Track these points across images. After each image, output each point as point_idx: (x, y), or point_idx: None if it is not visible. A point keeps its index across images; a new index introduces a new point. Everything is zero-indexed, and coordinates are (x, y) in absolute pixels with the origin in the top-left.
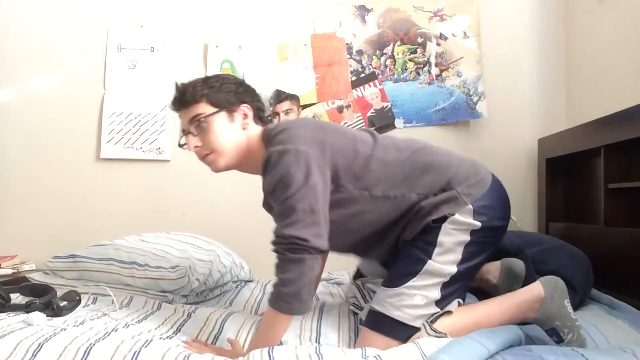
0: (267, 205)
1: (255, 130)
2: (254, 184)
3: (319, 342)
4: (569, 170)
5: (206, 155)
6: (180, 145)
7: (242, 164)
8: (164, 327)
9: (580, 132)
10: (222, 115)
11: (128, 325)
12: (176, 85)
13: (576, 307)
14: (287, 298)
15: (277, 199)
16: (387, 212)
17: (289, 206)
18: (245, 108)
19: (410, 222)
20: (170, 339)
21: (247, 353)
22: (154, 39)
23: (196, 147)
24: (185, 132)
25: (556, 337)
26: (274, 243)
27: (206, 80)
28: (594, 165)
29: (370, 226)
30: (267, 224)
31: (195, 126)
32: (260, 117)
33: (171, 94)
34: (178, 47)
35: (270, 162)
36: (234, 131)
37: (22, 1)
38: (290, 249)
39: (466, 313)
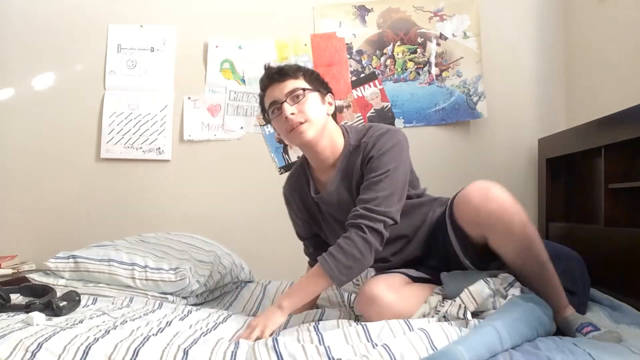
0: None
1: (332, 122)
2: (254, 184)
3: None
4: (569, 170)
5: (300, 124)
6: (267, 115)
7: (320, 143)
8: (164, 322)
9: (580, 132)
10: (316, 94)
11: (126, 322)
12: (269, 65)
13: (577, 309)
14: (342, 270)
15: (383, 166)
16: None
17: (392, 180)
18: (331, 98)
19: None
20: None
21: (280, 302)
22: (154, 39)
23: (292, 114)
24: (277, 103)
25: (592, 327)
26: (360, 216)
27: (300, 66)
28: (594, 165)
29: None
30: (266, 224)
31: (294, 97)
32: (334, 114)
33: (171, 93)
34: (178, 47)
35: (387, 133)
36: (323, 111)
37: (22, 1)
38: (371, 228)
39: None
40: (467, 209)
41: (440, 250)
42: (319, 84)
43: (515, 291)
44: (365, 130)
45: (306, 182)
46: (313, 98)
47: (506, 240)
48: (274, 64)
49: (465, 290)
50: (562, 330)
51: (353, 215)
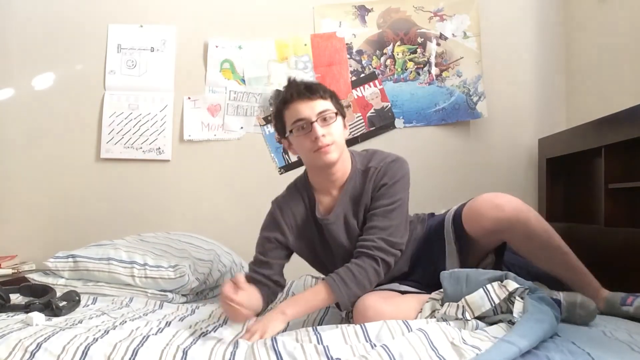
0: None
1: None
2: (254, 184)
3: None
4: (569, 170)
5: (328, 145)
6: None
7: (337, 165)
8: (164, 322)
9: (580, 132)
10: (340, 119)
11: (125, 322)
12: (294, 79)
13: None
14: (351, 297)
15: (395, 194)
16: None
17: (402, 209)
18: (347, 124)
19: None
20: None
21: (283, 309)
22: (154, 39)
23: (323, 135)
24: (306, 121)
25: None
26: (377, 248)
27: (326, 87)
28: (594, 165)
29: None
30: None
31: (324, 118)
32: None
33: (171, 93)
34: (178, 47)
35: (397, 161)
36: (345, 135)
37: (22, 1)
38: (384, 261)
39: None
40: (483, 220)
41: (428, 264)
42: (341, 107)
43: (519, 306)
44: (371, 156)
45: (308, 204)
46: (339, 122)
47: (529, 239)
48: (301, 80)
49: (463, 300)
50: (606, 312)
51: (370, 246)
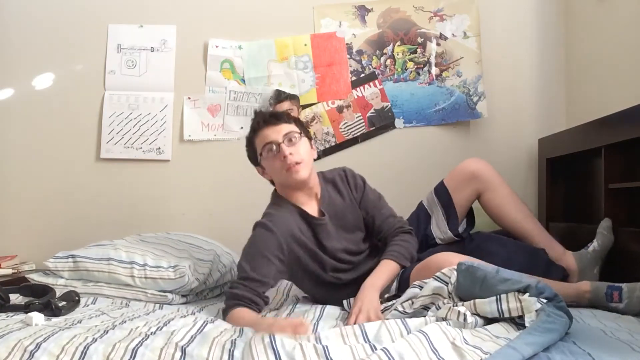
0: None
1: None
2: (254, 184)
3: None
4: (569, 170)
5: (296, 163)
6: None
7: (310, 181)
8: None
9: (580, 132)
10: (306, 139)
11: (125, 322)
12: (260, 109)
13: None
14: (409, 263)
15: (371, 189)
16: None
17: (382, 197)
18: (314, 146)
19: None
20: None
21: (374, 283)
22: (154, 39)
23: (290, 153)
24: (274, 144)
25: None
26: (403, 224)
27: (290, 114)
28: (594, 165)
29: None
30: None
31: (289, 139)
32: None
33: (171, 93)
34: (178, 47)
35: (347, 168)
36: (312, 154)
37: (22, 1)
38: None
39: None
40: (465, 171)
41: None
42: (306, 130)
43: (531, 316)
44: (324, 173)
45: (298, 213)
46: (305, 142)
47: (504, 193)
48: (265, 108)
49: (471, 303)
50: (592, 304)
51: (399, 225)
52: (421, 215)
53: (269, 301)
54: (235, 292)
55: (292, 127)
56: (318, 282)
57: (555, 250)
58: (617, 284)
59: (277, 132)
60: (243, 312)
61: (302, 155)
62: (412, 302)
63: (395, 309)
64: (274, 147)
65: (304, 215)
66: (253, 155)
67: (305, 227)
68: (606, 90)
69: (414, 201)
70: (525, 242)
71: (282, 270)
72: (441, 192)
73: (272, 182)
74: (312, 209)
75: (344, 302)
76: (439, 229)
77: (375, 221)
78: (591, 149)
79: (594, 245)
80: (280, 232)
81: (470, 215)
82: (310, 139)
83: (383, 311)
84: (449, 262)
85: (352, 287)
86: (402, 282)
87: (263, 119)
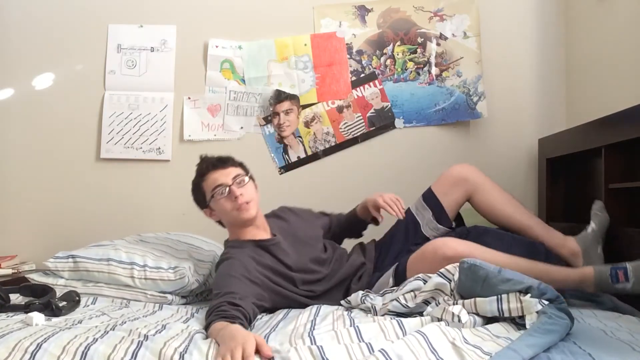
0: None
1: None
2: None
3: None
4: (569, 170)
5: (247, 202)
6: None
7: (259, 219)
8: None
9: (580, 132)
10: (251, 181)
11: (125, 322)
12: (206, 155)
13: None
14: None
15: (308, 210)
16: None
17: None
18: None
19: None
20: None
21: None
22: (154, 39)
23: (241, 194)
24: (224, 186)
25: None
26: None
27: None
28: (594, 165)
29: None
30: None
31: (239, 181)
32: None
33: (171, 93)
34: (178, 47)
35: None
36: (257, 193)
37: (22, 1)
38: None
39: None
40: (452, 175)
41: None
42: (249, 173)
43: (532, 317)
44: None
45: (254, 246)
46: (251, 183)
47: (494, 191)
48: (211, 155)
49: (471, 300)
50: (598, 290)
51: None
52: (410, 224)
53: (249, 312)
54: (210, 309)
55: (239, 170)
56: (295, 301)
57: (555, 238)
58: (620, 264)
59: (225, 175)
60: (215, 325)
61: (251, 194)
62: (415, 296)
63: (397, 300)
64: (225, 190)
65: (258, 243)
66: (201, 199)
67: (262, 251)
68: (606, 90)
69: (414, 201)
70: (524, 236)
71: (257, 292)
72: (429, 197)
73: (220, 223)
74: (264, 236)
75: (342, 302)
76: (429, 227)
77: (332, 225)
78: (591, 149)
79: (592, 226)
80: (239, 258)
81: (459, 219)
82: (254, 180)
83: (384, 305)
84: (447, 246)
85: (326, 298)
86: (398, 276)
87: (211, 164)
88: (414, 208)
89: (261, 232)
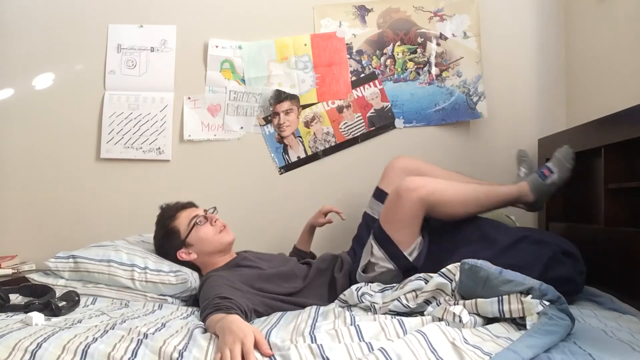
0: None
1: None
2: (254, 184)
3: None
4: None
5: (224, 225)
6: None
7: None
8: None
9: (580, 132)
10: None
11: (125, 321)
12: (166, 204)
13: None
14: None
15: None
16: None
17: None
18: None
19: None
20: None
21: None
22: (154, 39)
23: (219, 219)
24: (201, 216)
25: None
26: None
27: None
28: (593, 165)
29: None
30: (266, 224)
31: (211, 211)
32: None
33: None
34: (178, 47)
35: None
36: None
37: (21, 1)
38: None
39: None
40: (394, 167)
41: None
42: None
43: (532, 318)
44: None
45: (232, 268)
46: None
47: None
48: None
49: (472, 301)
50: (538, 197)
51: None
52: (369, 222)
53: (243, 305)
54: (202, 309)
55: (201, 210)
56: (284, 302)
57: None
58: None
59: (196, 210)
60: (212, 318)
61: (223, 221)
62: (416, 295)
63: (398, 300)
64: (202, 219)
65: (229, 264)
66: (175, 239)
67: (236, 267)
68: (606, 91)
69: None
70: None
71: (246, 296)
72: (379, 193)
73: (193, 266)
74: (233, 256)
75: (338, 299)
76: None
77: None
78: (591, 149)
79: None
80: (221, 274)
81: None
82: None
83: (384, 304)
84: (406, 181)
85: (312, 292)
86: (378, 237)
87: (180, 206)
88: (369, 209)
89: (233, 255)
